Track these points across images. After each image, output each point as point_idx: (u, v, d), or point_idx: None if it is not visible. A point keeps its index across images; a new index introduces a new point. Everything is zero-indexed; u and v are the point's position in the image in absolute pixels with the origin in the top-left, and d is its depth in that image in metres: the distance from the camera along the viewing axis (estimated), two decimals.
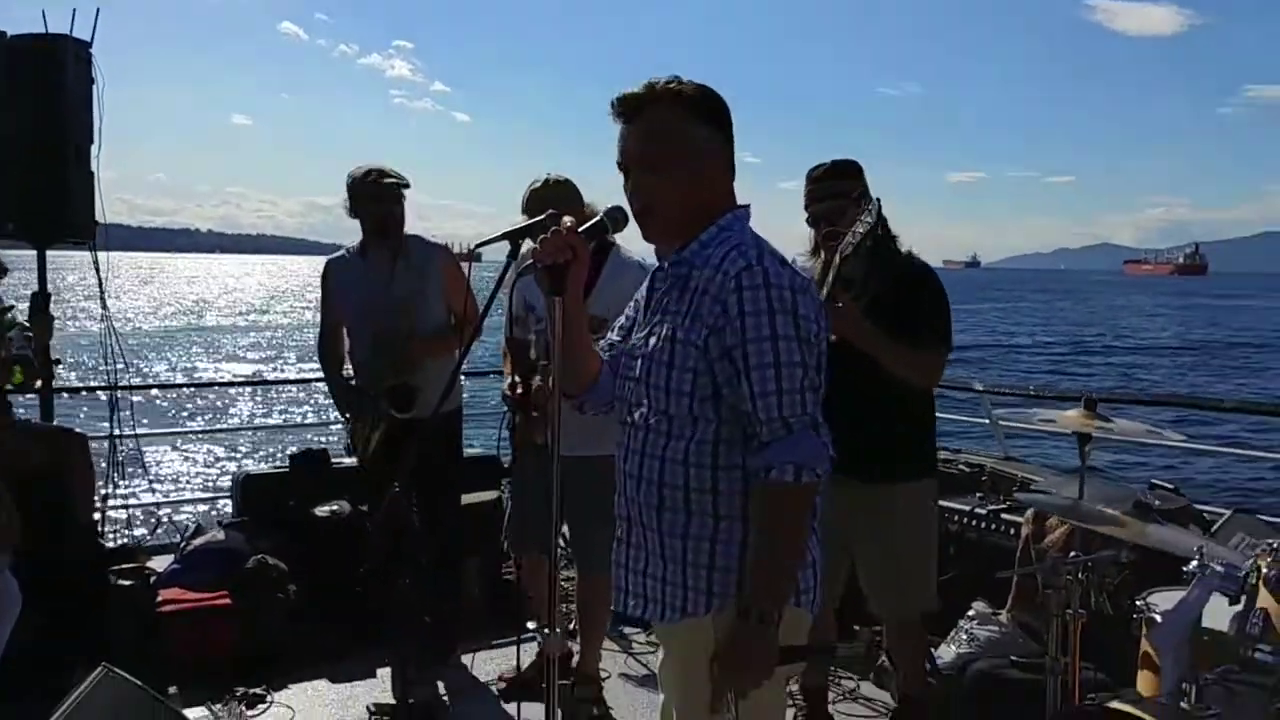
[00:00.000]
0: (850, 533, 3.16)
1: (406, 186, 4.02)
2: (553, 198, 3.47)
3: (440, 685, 4.05)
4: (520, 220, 2.40)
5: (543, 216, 2.41)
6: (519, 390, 3.61)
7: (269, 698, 3.91)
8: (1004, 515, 4.14)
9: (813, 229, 3.23)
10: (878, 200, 3.03)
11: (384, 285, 4.01)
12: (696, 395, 1.89)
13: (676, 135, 1.93)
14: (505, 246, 2.44)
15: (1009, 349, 41.04)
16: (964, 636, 3.88)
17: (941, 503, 4.32)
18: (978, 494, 4.46)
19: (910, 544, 3.22)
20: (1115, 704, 2.40)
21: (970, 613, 3.97)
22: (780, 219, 3.25)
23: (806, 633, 2.02)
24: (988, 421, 5.64)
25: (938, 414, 3.46)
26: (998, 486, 4.62)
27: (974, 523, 4.23)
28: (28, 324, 3.18)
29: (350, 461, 4.62)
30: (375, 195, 3.97)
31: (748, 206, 2.02)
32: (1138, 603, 2.83)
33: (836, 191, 3.17)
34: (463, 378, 5.42)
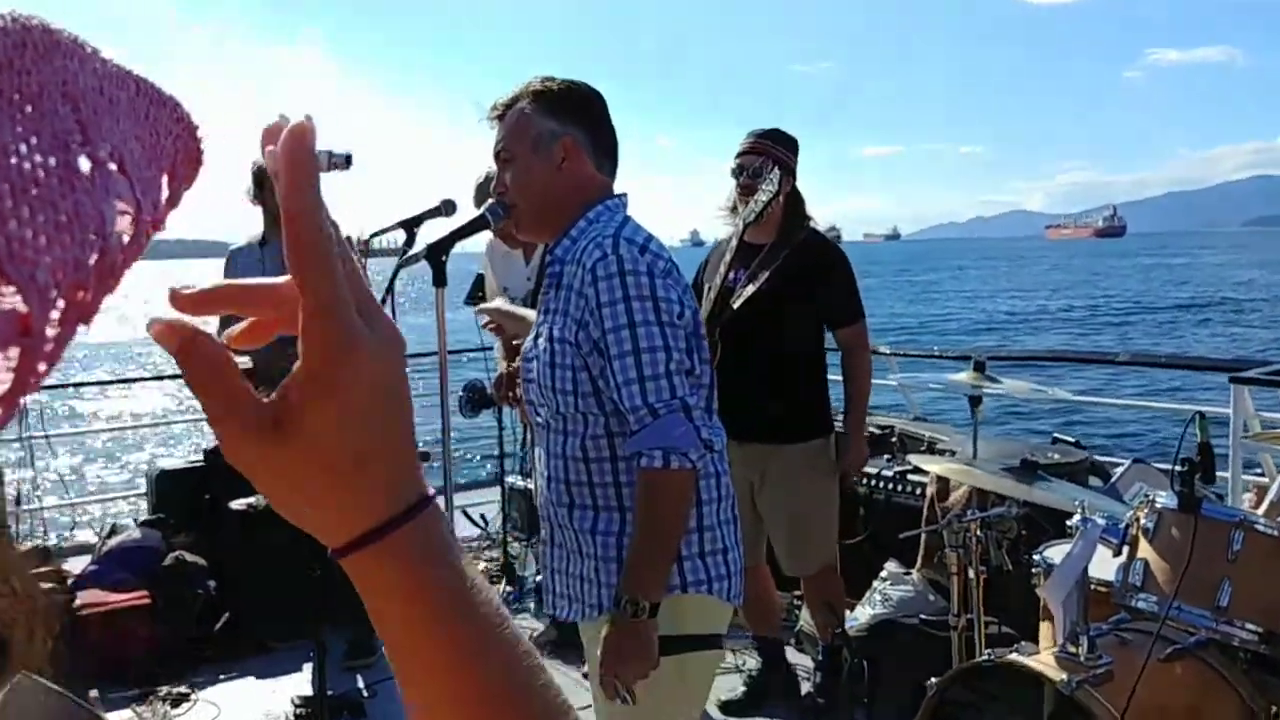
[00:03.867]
0: (758, 496, 3.41)
1: None
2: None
3: (360, 678, 4.03)
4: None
5: (436, 205, 2.44)
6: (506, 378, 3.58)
7: (193, 695, 3.90)
8: (910, 476, 4.26)
9: (735, 180, 3.36)
10: (778, 172, 3.15)
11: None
12: (579, 391, 1.90)
13: (526, 129, 1.96)
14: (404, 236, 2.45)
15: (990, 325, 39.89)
16: (877, 597, 3.99)
17: None
18: (886, 456, 4.57)
19: (810, 500, 3.43)
20: (1012, 657, 2.51)
21: (883, 574, 4.08)
22: (701, 194, 3.26)
23: (725, 620, 2.04)
24: (896, 384, 5.80)
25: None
26: (907, 448, 4.75)
27: (882, 484, 4.35)
28: None
29: None
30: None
31: (622, 196, 2.03)
32: (1034, 557, 2.96)
33: (762, 150, 3.30)
34: None
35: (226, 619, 4.28)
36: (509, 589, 4.76)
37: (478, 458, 7.44)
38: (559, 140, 1.95)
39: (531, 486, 4.26)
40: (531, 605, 4.61)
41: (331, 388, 0.45)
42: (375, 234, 2.84)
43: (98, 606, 4.14)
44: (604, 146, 2.03)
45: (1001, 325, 38.28)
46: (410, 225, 2.41)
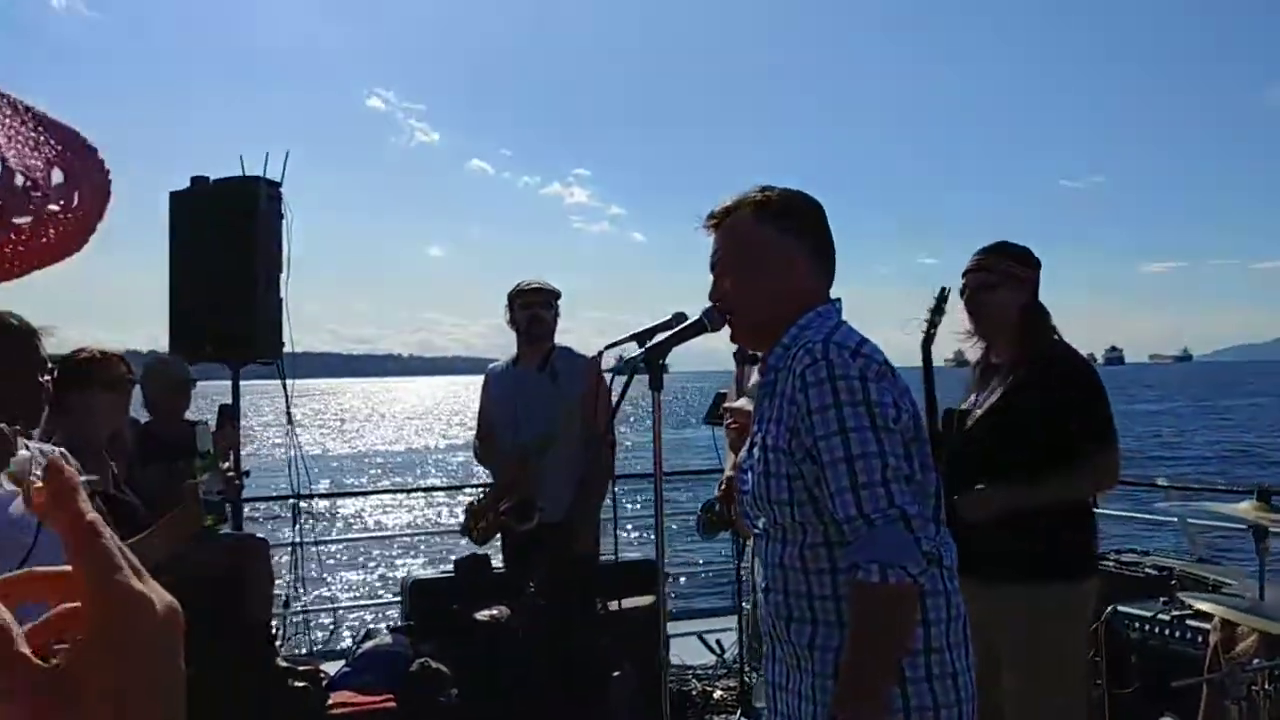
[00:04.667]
0: (997, 639, 2.89)
1: (555, 296, 4.19)
2: None
3: None
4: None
5: (668, 318, 2.52)
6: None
7: None
8: (1190, 621, 3.80)
9: (963, 301, 3.21)
10: (944, 289, 3.01)
11: (527, 394, 4.15)
12: (794, 501, 1.84)
13: (742, 239, 1.97)
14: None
15: None
16: None
17: (1122, 608, 4.04)
18: (1162, 599, 4.12)
19: (1053, 649, 2.91)
20: None
21: None
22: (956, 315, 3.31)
23: None
24: (1176, 520, 5.27)
25: (1128, 513, 3.26)
26: (1185, 589, 4.26)
27: (1157, 630, 3.90)
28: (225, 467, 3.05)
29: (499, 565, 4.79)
30: (522, 302, 4.17)
31: (835, 301, 2.00)
32: None
33: (987, 265, 3.14)
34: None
35: None
36: (743, 719, 4.59)
37: (706, 576, 7.32)
38: (776, 250, 1.96)
39: None
40: None
41: (112, 648, 0.46)
42: (609, 346, 2.96)
43: (345, 707, 4.32)
44: (821, 255, 2.02)
45: None
46: (643, 338, 2.53)
